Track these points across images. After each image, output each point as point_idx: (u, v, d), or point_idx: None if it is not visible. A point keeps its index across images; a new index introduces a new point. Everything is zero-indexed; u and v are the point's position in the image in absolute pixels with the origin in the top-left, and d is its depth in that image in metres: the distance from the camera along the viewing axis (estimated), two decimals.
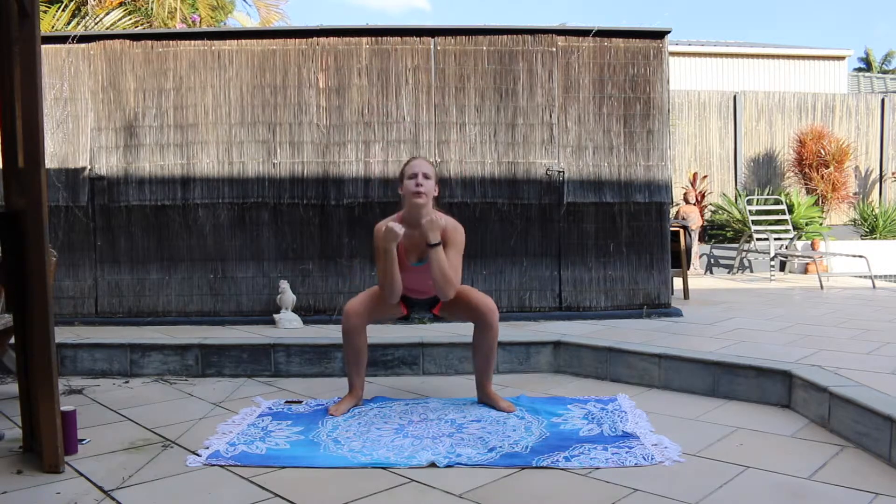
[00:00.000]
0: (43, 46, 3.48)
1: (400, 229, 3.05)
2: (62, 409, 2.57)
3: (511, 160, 5.01)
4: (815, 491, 2.27)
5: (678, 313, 5.04)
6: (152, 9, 9.44)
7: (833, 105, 10.94)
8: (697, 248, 8.62)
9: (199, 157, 4.98)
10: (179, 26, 9.48)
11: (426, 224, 3.05)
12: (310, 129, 4.98)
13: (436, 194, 3.24)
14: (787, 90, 12.76)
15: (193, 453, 2.68)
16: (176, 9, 9.60)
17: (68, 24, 8.82)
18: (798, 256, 8.36)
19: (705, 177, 9.97)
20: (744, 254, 8.85)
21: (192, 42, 5.00)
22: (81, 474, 2.47)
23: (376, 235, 3.18)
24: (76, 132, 5.00)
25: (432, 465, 2.53)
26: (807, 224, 9.31)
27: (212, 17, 10.85)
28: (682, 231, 6.24)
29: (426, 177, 3.15)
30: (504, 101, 5.01)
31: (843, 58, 14.92)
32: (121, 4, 9.34)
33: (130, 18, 9.18)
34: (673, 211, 8.05)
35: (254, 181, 4.98)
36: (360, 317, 3.19)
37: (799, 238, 8.92)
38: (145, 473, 2.48)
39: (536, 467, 2.51)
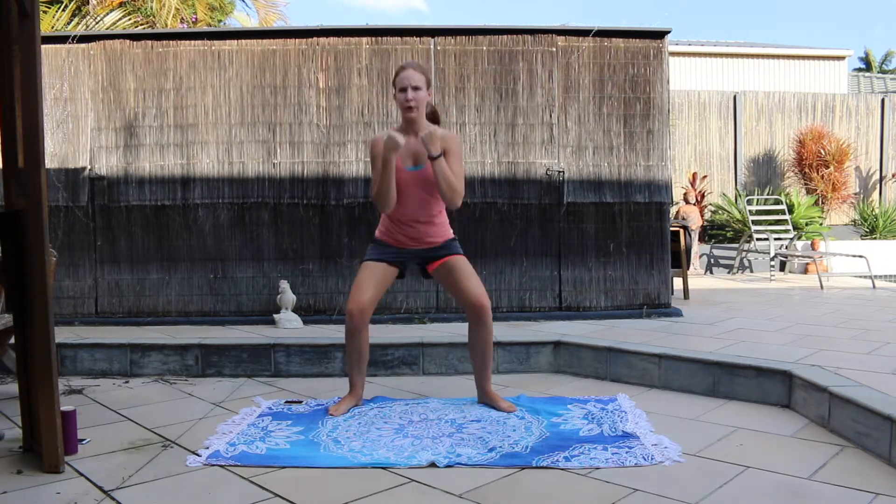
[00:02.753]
0: (43, 46, 3.48)
1: (401, 138, 3.04)
2: (62, 409, 2.57)
3: (511, 160, 5.01)
4: (815, 491, 2.27)
5: (678, 313, 5.04)
6: (152, 8, 9.44)
7: (833, 105, 10.94)
8: (697, 248, 8.62)
9: (199, 157, 4.98)
10: (180, 26, 9.48)
11: (425, 137, 3.03)
12: (310, 129, 4.98)
13: (429, 99, 3.21)
14: (787, 90, 12.76)
15: (193, 453, 2.68)
16: (177, 9, 9.60)
17: (68, 24, 8.83)
18: (798, 256, 8.36)
19: (705, 177, 9.97)
20: (744, 254, 8.84)
21: (192, 42, 5.00)
22: (81, 474, 2.47)
23: (375, 145, 3.14)
24: (76, 132, 5.00)
25: (432, 465, 2.53)
26: (807, 224, 9.31)
27: (211, 18, 10.85)
28: (682, 231, 6.24)
29: (416, 88, 3.11)
30: (504, 101, 5.01)
31: (842, 58, 14.92)
32: (121, 5, 9.34)
33: (130, 19, 9.18)
34: (673, 211, 8.05)
35: (254, 181, 4.98)
36: (363, 314, 3.17)
37: (799, 238, 8.92)
38: (145, 473, 2.48)
39: (536, 467, 2.51)
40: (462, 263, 3.22)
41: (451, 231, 3.32)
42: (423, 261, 3.28)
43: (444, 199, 3.10)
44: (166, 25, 9.41)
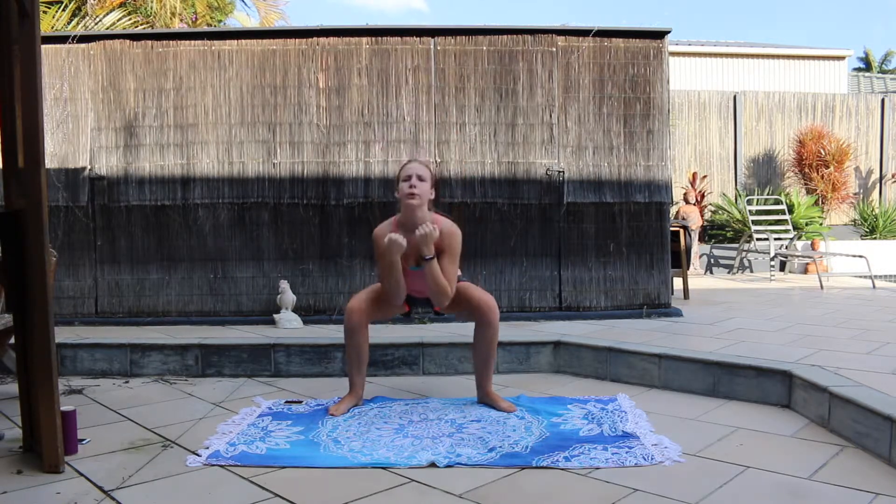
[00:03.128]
0: (43, 46, 3.48)
1: (403, 241, 3.04)
2: (62, 409, 2.57)
3: (511, 160, 5.01)
4: (815, 491, 2.27)
5: (678, 313, 5.04)
6: (152, 8, 9.44)
7: (833, 105, 10.94)
8: (697, 248, 8.62)
9: (199, 157, 4.98)
10: (180, 26, 9.48)
11: (420, 239, 3.04)
12: (310, 129, 4.98)
13: (432, 197, 3.23)
14: (787, 90, 12.76)
15: (193, 453, 2.68)
16: (177, 9, 9.60)
17: (68, 24, 8.82)
18: (798, 256, 8.36)
19: (705, 177, 9.97)
20: (744, 254, 8.84)
21: (192, 42, 5.00)
22: (81, 474, 2.47)
23: (377, 242, 3.17)
24: (76, 132, 5.00)
25: (432, 465, 2.53)
26: (807, 224, 9.31)
27: (211, 18, 10.85)
28: (682, 231, 6.24)
29: (420, 179, 3.14)
30: (504, 101, 5.01)
31: (842, 58, 14.92)
32: (121, 5, 9.34)
33: (130, 19, 9.18)
34: (673, 211, 8.05)
35: (254, 181, 4.98)
36: (362, 314, 3.19)
37: (799, 238, 8.92)
38: (145, 473, 2.48)
39: (536, 467, 2.51)
40: (462, 287, 3.24)
41: None
42: (432, 302, 3.32)
43: (431, 295, 3.19)
44: (166, 26, 9.41)
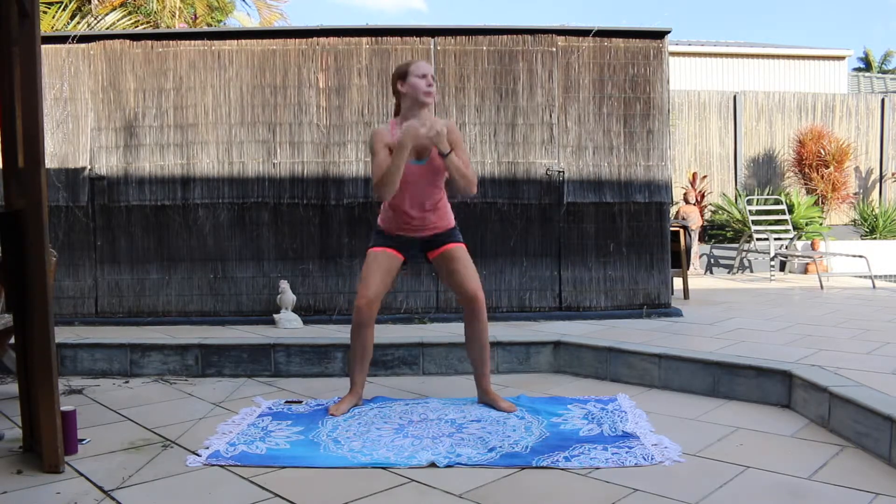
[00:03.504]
0: (43, 46, 3.48)
1: (421, 127, 3.04)
2: (62, 409, 2.57)
3: (511, 160, 5.01)
4: (815, 491, 2.27)
5: (678, 313, 5.04)
6: (153, 9, 9.44)
7: (833, 105, 10.94)
8: (697, 248, 8.62)
9: (199, 157, 4.98)
10: (181, 26, 9.48)
11: (435, 137, 3.05)
12: (310, 129, 4.98)
13: (437, 98, 3.30)
14: (787, 90, 12.75)
15: (193, 453, 2.68)
16: (178, 9, 9.59)
17: (68, 24, 8.82)
18: (798, 256, 8.36)
19: (705, 177, 9.97)
20: (744, 254, 8.84)
21: (192, 42, 5.00)
22: (81, 474, 2.47)
23: (377, 137, 3.15)
24: (76, 132, 5.00)
25: (432, 465, 2.53)
26: (807, 224, 9.31)
27: (211, 18, 10.84)
28: (682, 231, 6.24)
29: (434, 79, 3.19)
30: (504, 101, 5.01)
31: (842, 58, 14.92)
32: (122, 5, 9.34)
33: (131, 19, 9.18)
34: (673, 211, 8.05)
35: (254, 181, 4.98)
36: (371, 306, 3.18)
37: (799, 238, 8.92)
38: (145, 473, 2.48)
39: (536, 467, 2.51)
40: (462, 253, 3.26)
41: (453, 219, 3.34)
42: (426, 247, 3.30)
43: (460, 190, 3.18)
44: (166, 26, 9.40)
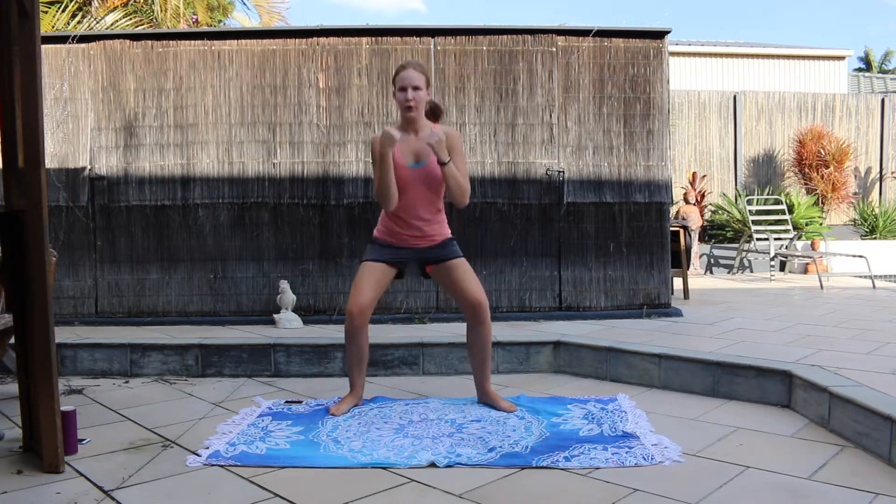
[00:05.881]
0: (43, 46, 3.48)
1: (397, 133, 3.05)
2: (62, 409, 2.57)
3: (511, 160, 5.01)
4: (815, 491, 2.27)
5: (678, 313, 5.04)
6: (153, 10, 9.43)
7: (833, 105, 10.94)
8: (697, 248, 8.62)
9: (199, 157, 4.98)
10: (182, 26, 9.48)
11: (435, 145, 3.05)
12: (310, 129, 4.98)
13: (429, 98, 3.24)
14: (787, 90, 12.75)
15: (193, 453, 2.68)
16: (182, 14, 9.59)
17: (68, 24, 8.82)
18: (798, 256, 8.36)
19: (705, 177, 9.97)
20: (744, 254, 8.84)
21: (192, 42, 5.00)
22: (81, 474, 2.47)
23: (375, 144, 3.15)
24: (76, 132, 5.00)
25: (432, 465, 2.53)
26: (807, 224, 9.31)
27: (211, 18, 10.84)
28: (682, 231, 6.24)
29: (415, 88, 3.14)
30: (504, 101, 5.01)
31: (842, 58, 14.92)
32: (124, 5, 9.34)
33: (131, 19, 9.18)
34: (673, 211, 8.05)
35: (254, 181, 4.98)
36: (363, 314, 3.18)
37: (799, 238, 8.92)
38: (145, 473, 2.48)
39: (536, 467, 2.51)
40: (461, 264, 3.24)
41: (449, 230, 3.33)
42: (422, 261, 3.28)
43: (454, 199, 3.16)
44: (168, 27, 9.40)
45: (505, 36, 5.01)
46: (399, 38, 5.00)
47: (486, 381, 3.30)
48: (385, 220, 3.27)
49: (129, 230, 4.98)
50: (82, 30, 8.19)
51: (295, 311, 4.83)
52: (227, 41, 5.02)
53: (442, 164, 3.08)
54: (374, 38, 5.00)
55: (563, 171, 5.02)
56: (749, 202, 9.09)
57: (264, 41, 5.02)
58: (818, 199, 9.88)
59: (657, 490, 2.28)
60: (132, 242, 4.98)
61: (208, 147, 4.98)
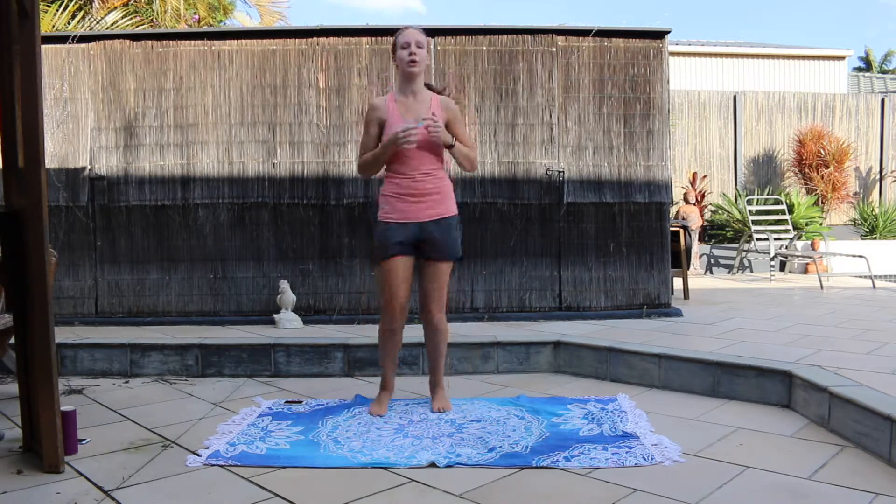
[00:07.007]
0: (43, 46, 3.48)
1: (414, 138, 3.00)
2: (62, 409, 2.57)
3: (511, 160, 5.01)
4: (815, 491, 2.27)
5: (678, 313, 5.04)
6: (154, 10, 9.43)
7: (833, 105, 10.94)
8: (697, 248, 8.62)
9: (199, 157, 4.98)
10: (182, 27, 9.48)
11: (441, 134, 3.05)
12: (310, 129, 4.98)
13: (428, 63, 3.25)
14: (787, 90, 12.74)
15: (193, 453, 2.68)
16: (180, 11, 9.59)
17: (68, 24, 8.82)
18: (798, 256, 8.36)
19: (705, 177, 9.97)
20: (744, 254, 8.84)
21: (192, 42, 5.00)
22: (81, 474, 2.47)
23: (372, 110, 3.15)
24: (76, 132, 5.00)
25: (432, 465, 2.53)
26: (807, 224, 9.31)
27: (212, 18, 10.84)
28: (682, 231, 6.24)
29: (419, 45, 3.11)
30: (504, 101, 5.01)
31: (842, 58, 14.92)
32: (124, 5, 9.33)
33: (131, 19, 9.18)
34: (673, 211, 8.05)
35: (254, 181, 4.98)
36: (404, 312, 3.16)
37: (799, 238, 8.91)
38: (145, 473, 2.48)
39: (536, 467, 2.51)
40: (443, 273, 3.18)
41: (456, 206, 3.22)
42: (422, 241, 3.13)
43: (465, 169, 3.29)
44: (168, 27, 9.40)
45: (505, 36, 5.01)
46: None
47: (439, 377, 3.31)
48: (391, 185, 3.15)
49: (129, 230, 4.98)
50: (82, 30, 8.19)
51: (295, 311, 4.83)
52: (227, 41, 5.02)
53: (449, 146, 3.13)
54: (374, 38, 5.00)
55: (563, 171, 5.02)
56: (749, 202, 9.09)
57: (264, 41, 5.02)
58: (818, 199, 9.88)
59: (657, 490, 2.28)
60: (132, 242, 4.98)
61: (208, 147, 4.98)
